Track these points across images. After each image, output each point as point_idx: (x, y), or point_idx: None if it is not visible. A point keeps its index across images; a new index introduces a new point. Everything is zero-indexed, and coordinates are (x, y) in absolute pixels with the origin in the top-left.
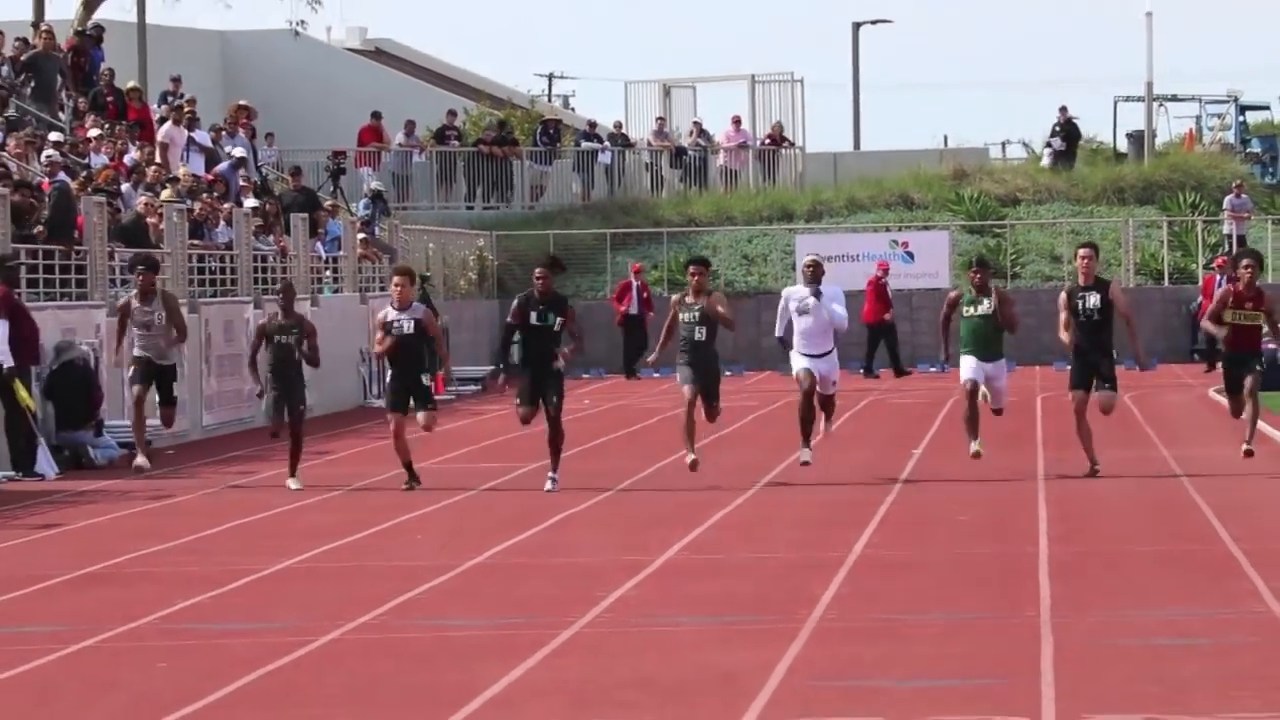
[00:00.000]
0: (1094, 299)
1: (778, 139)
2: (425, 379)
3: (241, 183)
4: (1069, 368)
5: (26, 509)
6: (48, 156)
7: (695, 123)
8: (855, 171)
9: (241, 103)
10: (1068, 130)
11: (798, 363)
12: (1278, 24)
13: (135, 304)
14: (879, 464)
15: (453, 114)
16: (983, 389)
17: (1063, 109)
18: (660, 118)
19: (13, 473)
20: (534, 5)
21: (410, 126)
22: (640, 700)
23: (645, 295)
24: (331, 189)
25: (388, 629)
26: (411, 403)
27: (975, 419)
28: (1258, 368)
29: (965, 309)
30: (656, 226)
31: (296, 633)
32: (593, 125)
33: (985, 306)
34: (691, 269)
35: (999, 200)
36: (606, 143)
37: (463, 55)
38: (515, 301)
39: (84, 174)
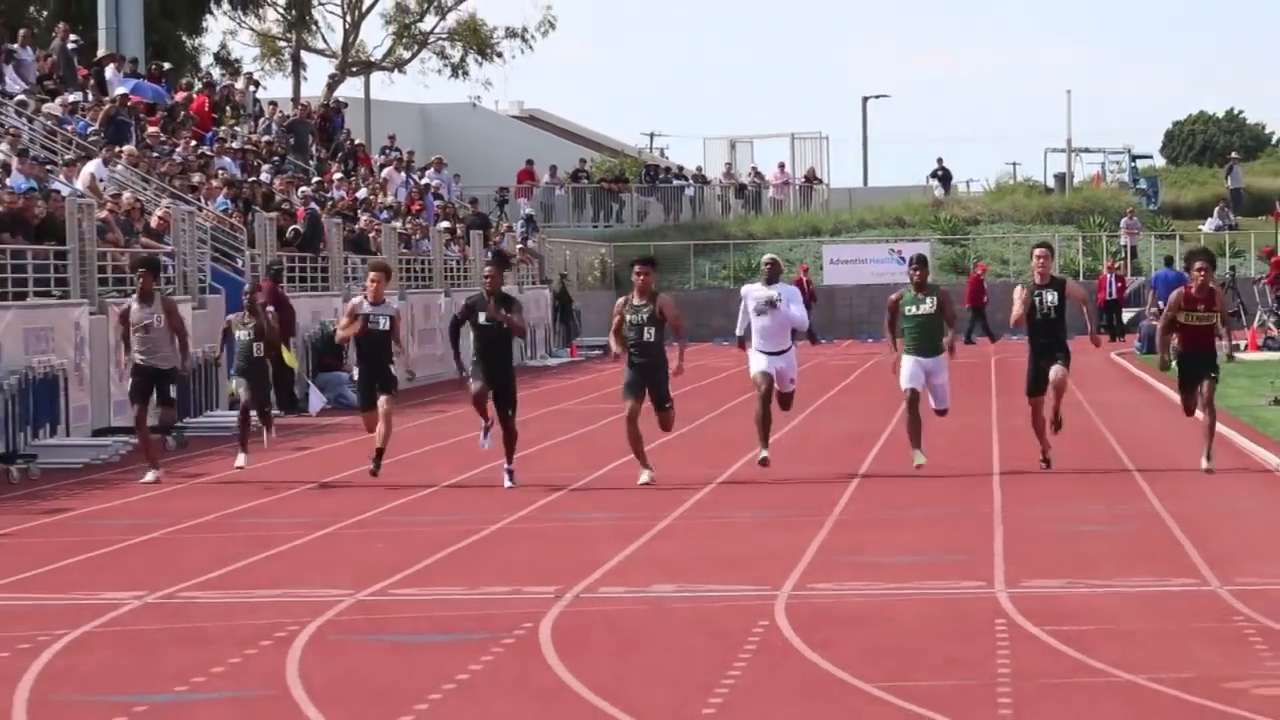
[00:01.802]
0: (1052, 296)
1: (811, 178)
2: (392, 368)
3: (436, 209)
4: (1026, 367)
5: (286, 437)
6: (302, 191)
7: (753, 167)
8: (864, 201)
9: (437, 156)
10: (944, 174)
11: (756, 363)
12: (1158, 98)
13: (135, 306)
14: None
15: (583, 161)
16: (922, 391)
17: (939, 159)
18: (728, 163)
19: (279, 411)
20: (640, 84)
21: (553, 170)
22: (715, 569)
23: (810, 288)
24: (498, 214)
25: (535, 520)
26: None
27: (917, 428)
28: (1212, 375)
29: (906, 308)
30: (725, 239)
31: (473, 523)
32: (680, 169)
33: (927, 306)
34: (638, 269)
35: (964, 220)
36: (690, 181)
37: (591, 119)
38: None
39: (329, 203)
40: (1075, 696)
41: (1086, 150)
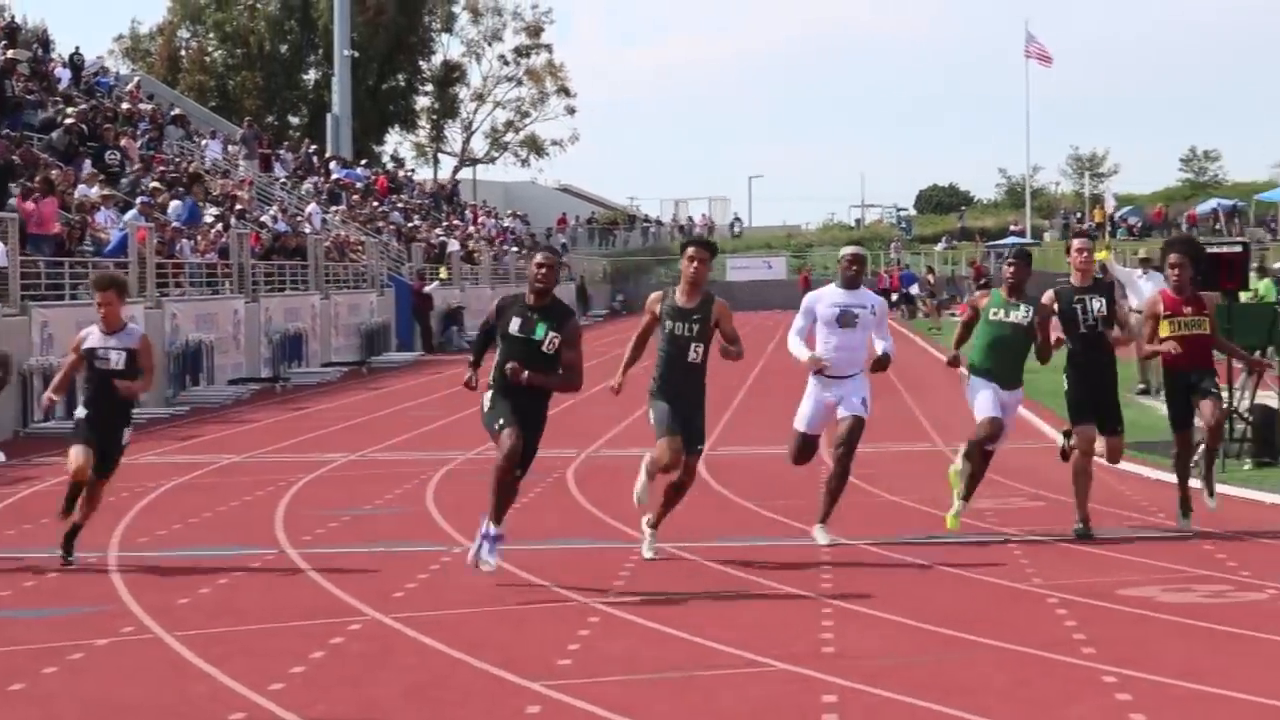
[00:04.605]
0: (1098, 303)
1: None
2: (127, 434)
3: (511, 239)
4: (1068, 395)
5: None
6: (436, 232)
7: (689, 216)
8: (750, 235)
9: (512, 210)
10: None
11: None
12: (913, 174)
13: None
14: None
15: (593, 213)
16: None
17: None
18: (674, 214)
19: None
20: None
21: (577, 218)
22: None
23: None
24: (546, 242)
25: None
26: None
27: (979, 474)
28: (1213, 391)
29: (992, 312)
30: (672, 256)
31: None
32: (647, 216)
33: (1020, 315)
34: (692, 252)
35: (805, 244)
36: (653, 223)
37: (599, 188)
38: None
39: (454, 238)
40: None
41: (873, 206)
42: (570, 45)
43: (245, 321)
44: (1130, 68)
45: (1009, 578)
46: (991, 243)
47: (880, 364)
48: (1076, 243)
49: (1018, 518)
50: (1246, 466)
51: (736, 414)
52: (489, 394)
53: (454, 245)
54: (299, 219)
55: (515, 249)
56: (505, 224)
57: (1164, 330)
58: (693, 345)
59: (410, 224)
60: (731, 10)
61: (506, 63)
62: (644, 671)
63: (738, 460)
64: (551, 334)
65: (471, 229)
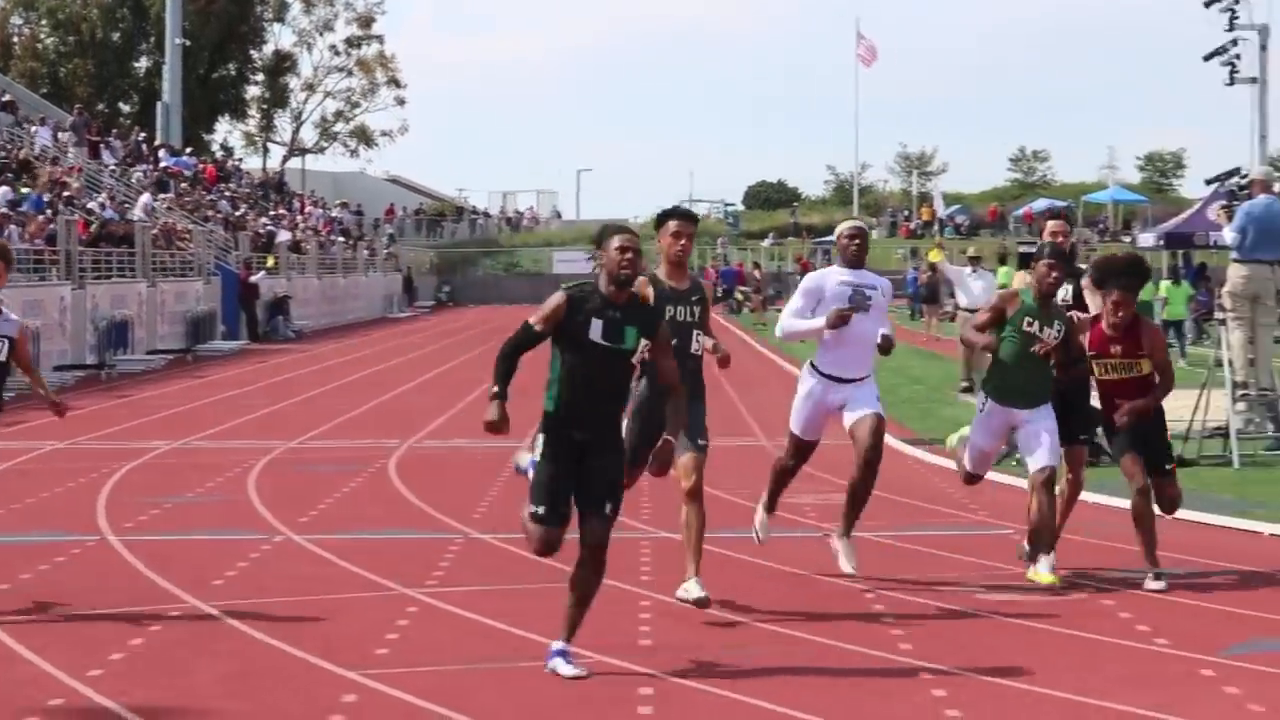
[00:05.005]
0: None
1: (538, 218)
2: None
3: (339, 229)
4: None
5: None
6: (263, 220)
7: (515, 209)
8: (576, 228)
9: (341, 200)
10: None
11: (807, 406)
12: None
13: None
14: None
15: (421, 205)
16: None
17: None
18: (501, 206)
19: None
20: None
21: (404, 209)
22: None
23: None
24: (374, 232)
25: None
26: None
27: (1052, 532)
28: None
29: (1025, 321)
30: (499, 247)
31: None
32: (474, 208)
33: (1055, 331)
34: (676, 226)
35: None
36: (481, 215)
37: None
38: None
39: (282, 227)
40: None
41: (701, 201)
42: (401, 36)
43: (71, 308)
44: (960, 67)
45: (829, 572)
46: (818, 239)
47: (885, 347)
48: (1052, 225)
49: (839, 514)
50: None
51: None
52: (539, 440)
53: (282, 235)
54: (127, 206)
55: (343, 239)
56: (333, 214)
57: (1097, 371)
58: (695, 334)
59: (238, 213)
60: (562, 4)
61: (338, 53)
62: (462, 662)
63: None
64: (644, 342)
65: (299, 219)
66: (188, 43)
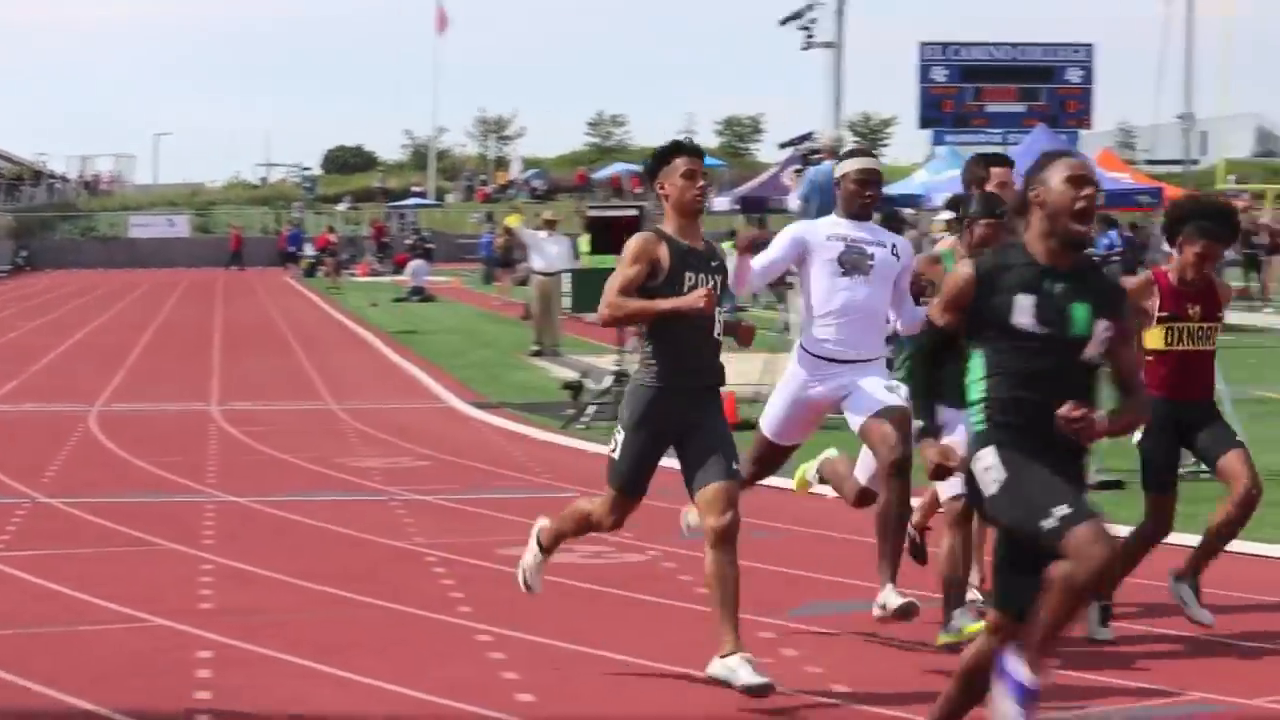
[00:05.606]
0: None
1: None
2: None
3: None
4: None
5: None
6: None
7: (99, 174)
8: (155, 192)
9: None
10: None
11: (784, 398)
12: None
13: None
14: None
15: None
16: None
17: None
18: (80, 170)
19: None
20: (38, 120)
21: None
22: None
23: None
24: None
25: None
26: None
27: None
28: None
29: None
30: (79, 212)
31: None
32: (53, 173)
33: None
34: (688, 164)
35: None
36: (59, 180)
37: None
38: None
39: None
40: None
41: (278, 165)
42: None
43: None
44: (541, 34)
45: (391, 536)
46: (393, 203)
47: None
48: (998, 172)
49: (404, 477)
50: None
51: (132, 371)
52: (994, 453)
53: None
54: None
55: None
56: None
57: (1155, 341)
58: (718, 309)
59: None
60: None
61: None
62: (23, 625)
63: (134, 418)
64: (1105, 324)
65: None
66: None
